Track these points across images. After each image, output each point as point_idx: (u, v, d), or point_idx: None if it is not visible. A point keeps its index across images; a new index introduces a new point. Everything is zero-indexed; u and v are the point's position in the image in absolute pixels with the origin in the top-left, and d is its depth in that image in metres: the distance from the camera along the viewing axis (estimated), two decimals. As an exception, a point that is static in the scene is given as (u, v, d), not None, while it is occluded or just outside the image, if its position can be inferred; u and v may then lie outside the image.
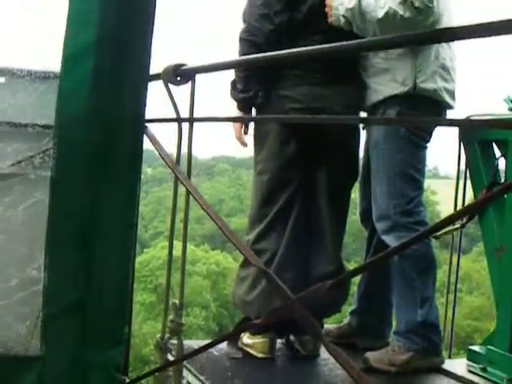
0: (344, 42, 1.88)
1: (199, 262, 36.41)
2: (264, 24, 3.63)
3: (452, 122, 2.95)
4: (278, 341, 3.87)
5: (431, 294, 3.60)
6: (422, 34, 2.09)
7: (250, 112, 3.82)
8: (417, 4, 3.32)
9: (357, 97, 3.72)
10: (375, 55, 3.60)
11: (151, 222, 43.85)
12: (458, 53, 3.73)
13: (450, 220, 2.05)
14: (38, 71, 2.53)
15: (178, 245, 2.84)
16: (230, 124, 3.94)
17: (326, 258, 3.76)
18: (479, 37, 1.51)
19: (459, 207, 4.04)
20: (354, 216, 4.13)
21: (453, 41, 3.28)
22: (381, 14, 3.39)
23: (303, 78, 3.66)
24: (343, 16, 3.53)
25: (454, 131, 4.01)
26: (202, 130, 3.16)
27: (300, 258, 3.75)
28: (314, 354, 3.79)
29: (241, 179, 50.26)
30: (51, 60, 2.37)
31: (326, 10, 3.59)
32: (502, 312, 3.63)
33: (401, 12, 3.34)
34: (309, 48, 2.18)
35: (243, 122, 3.88)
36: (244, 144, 3.89)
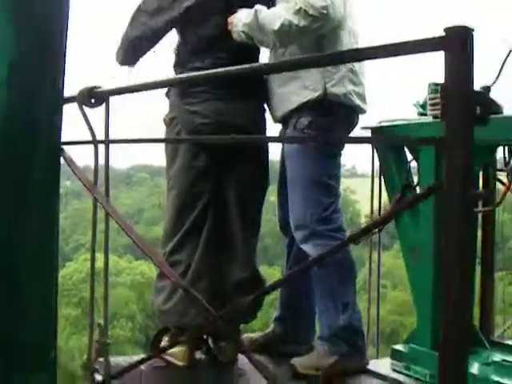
0: (248, 65, 1.96)
1: (123, 273, 35.97)
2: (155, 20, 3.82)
3: (363, 140, 3.04)
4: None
5: (352, 298, 3.67)
6: (332, 55, 2.18)
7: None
8: (311, 12, 3.35)
9: (262, 110, 3.89)
10: None
11: (72, 235, 43.08)
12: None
13: (367, 230, 2.13)
14: None
15: (100, 259, 2.83)
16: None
17: (241, 266, 3.85)
18: (383, 57, 1.60)
19: (375, 206, 4.19)
20: (276, 217, 4.17)
21: (360, 61, 3.41)
22: (277, 25, 3.43)
23: (210, 94, 3.73)
24: (242, 32, 3.58)
25: (367, 133, 4.08)
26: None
27: (214, 266, 3.84)
28: (232, 360, 3.85)
29: (160, 187, 49.77)
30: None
31: (229, 27, 3.64)
32: (421, 311, 3.72)
33: (295, 22, 3.38)
34: (217, 70, 2.28)
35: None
36: None
